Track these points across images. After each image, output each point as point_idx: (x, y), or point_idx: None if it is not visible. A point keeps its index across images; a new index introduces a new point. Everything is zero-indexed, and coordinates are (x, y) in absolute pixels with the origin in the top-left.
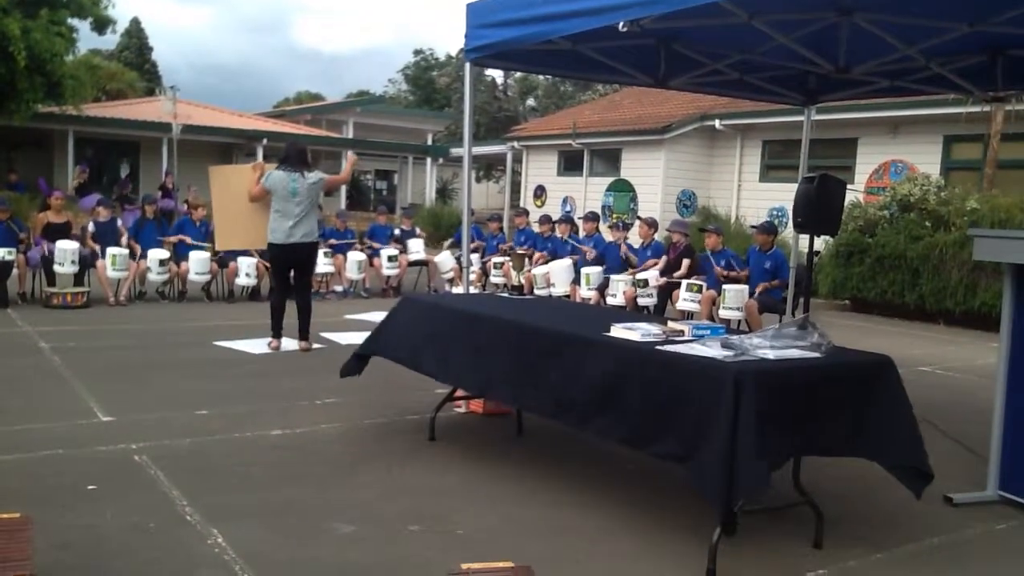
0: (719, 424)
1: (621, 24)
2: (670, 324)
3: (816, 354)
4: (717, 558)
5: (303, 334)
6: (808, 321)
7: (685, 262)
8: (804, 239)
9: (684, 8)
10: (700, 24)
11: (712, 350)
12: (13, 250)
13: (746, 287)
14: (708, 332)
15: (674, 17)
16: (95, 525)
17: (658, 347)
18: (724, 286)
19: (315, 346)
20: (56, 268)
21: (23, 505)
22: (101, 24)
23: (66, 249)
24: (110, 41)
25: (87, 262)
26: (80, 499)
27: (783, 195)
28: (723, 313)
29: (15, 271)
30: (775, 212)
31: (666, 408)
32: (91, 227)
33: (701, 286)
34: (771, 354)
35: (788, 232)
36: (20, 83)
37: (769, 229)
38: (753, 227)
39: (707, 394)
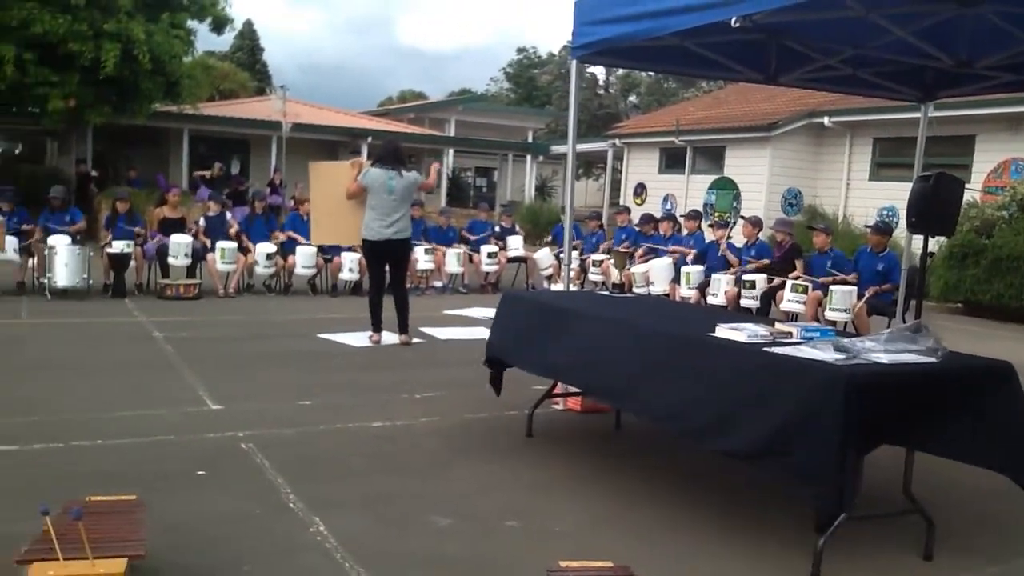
0: (830, 430)
1: (734, 19)
2: (777, 325)
3: (931, 359)
4: (822, 565)
5: (402, 328)
6: (922, 325)
7: (798, 263)
8: (916, 239)
9: (800, 2)
10: (813, 18)
11: (823, 353)
12: (131, 243)
13: (854, 288)
14: (817, 334)
15: (788, 11)
16: (203, 509)
17: (765, 349)
18: (831, 287)
19: (414, 340)
20: (170, 261)
21: (137, 488)
22: (219, 24)
23: (180, 242)
24: (224, 43)
25: (199, 255)
26: (190, 483)
27: (894, 194)
28: (829, 315)
29: (132, 263)
30: (885, 212)
31: (774, 413)
32: (201, 221)
33: (807, 287)
34: (884, 358)
35: (898, 232)
36: (142, 83)
37: (884, 230)
38: (867, 227)
39: (818, 399)
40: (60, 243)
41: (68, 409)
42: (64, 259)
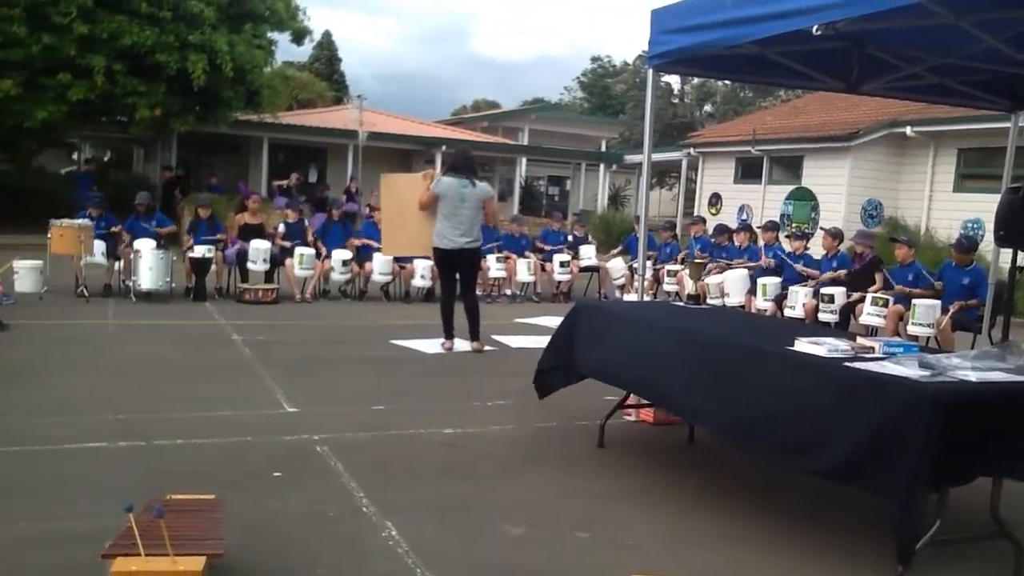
0: (913, 450)
1: (815, 27)
2: (859, 340)
3: (1022, 378)
4: None
5: (474, 335)
6: (1013, 342)
7: (878, 276)
8: (1004, 253)
9: (885, 9)
10: (899, 25)
11: (907, 369)
12: (212, 248)
13: (938, 302)
14: (900, 350)
15: (872, 19)
16: (279, 510)
17: (846, 363)
18: (915, 301)
19: (487, 348)
20: (249, 265)
21: (216, 487)
22: (299, 35)
23: (259, 248)
24: (303, 53)
25: (277, 260)
26: (266, 485)
27: (980, 206)
28: (912, 329)
29: (213, 267)
30: (970, 224)
31: (854, 430)
32: (281, 228)
33: (887, 300)
34: (972, 375)
35: (984, 245)
36: (224, 92)
37: (968, 247)
38: (951, 246)
39: (901, 416)
40: (145, 247)
41: (151, 409)
42: (148, 263)
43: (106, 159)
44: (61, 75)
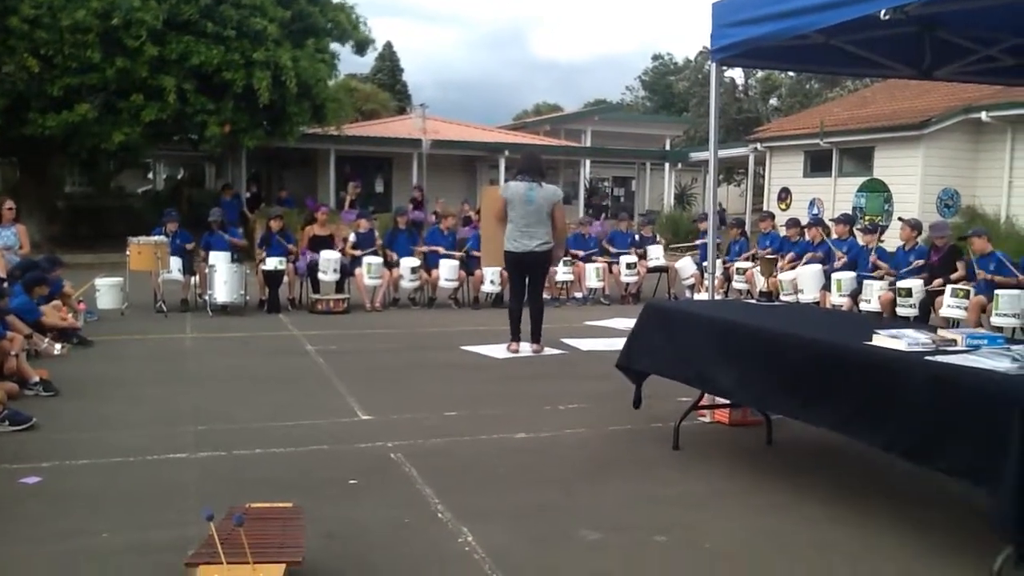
0: (1006, 447)
1: (883, 12)
2: (940, 332)
3: None
4: None
5: (535, 338)
6: None
7: (960, 264)
8: None
9: None
10: (971, 6)
11: (993, 361)
12: (284, 259)
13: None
14: (984, 342)
15: (943, 1)
16: (356, 518)
17: (927, 358)
18: (998, 291)
19: (555, 351)
20: (320, 276)
21: (294, 495)
22: (361, 45)
23: (329, 258)
24: (366, 64)
25: (347, 271)
26: (343, 492)
27: None
28: (996, 320)
29: (285, 279)
30: None
31: (940, 426)
32: (352, 237)
33: (968, 291)
34: None
35: None
36: (290, 107)
37: None
38: None
39: (990, 412)
40: (219, 262)
41: (229, 419)
42: (223, 277)
43: (179, 177)
44: (135, 96)
